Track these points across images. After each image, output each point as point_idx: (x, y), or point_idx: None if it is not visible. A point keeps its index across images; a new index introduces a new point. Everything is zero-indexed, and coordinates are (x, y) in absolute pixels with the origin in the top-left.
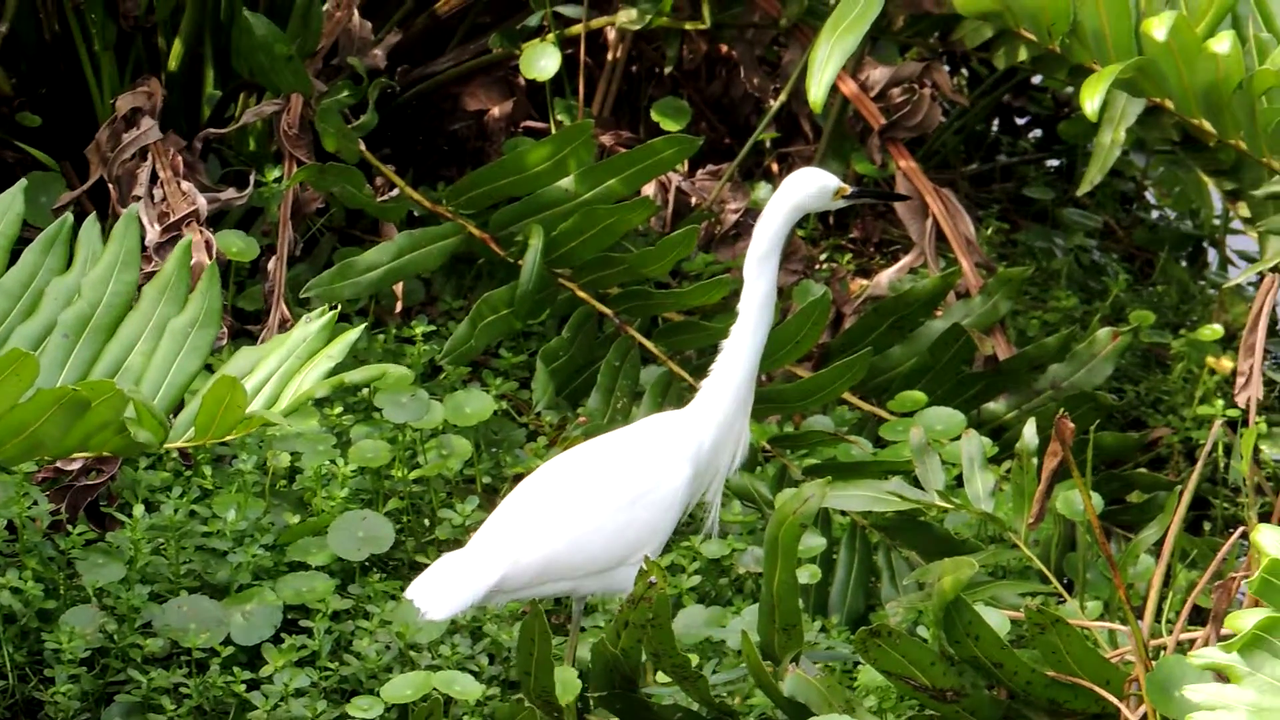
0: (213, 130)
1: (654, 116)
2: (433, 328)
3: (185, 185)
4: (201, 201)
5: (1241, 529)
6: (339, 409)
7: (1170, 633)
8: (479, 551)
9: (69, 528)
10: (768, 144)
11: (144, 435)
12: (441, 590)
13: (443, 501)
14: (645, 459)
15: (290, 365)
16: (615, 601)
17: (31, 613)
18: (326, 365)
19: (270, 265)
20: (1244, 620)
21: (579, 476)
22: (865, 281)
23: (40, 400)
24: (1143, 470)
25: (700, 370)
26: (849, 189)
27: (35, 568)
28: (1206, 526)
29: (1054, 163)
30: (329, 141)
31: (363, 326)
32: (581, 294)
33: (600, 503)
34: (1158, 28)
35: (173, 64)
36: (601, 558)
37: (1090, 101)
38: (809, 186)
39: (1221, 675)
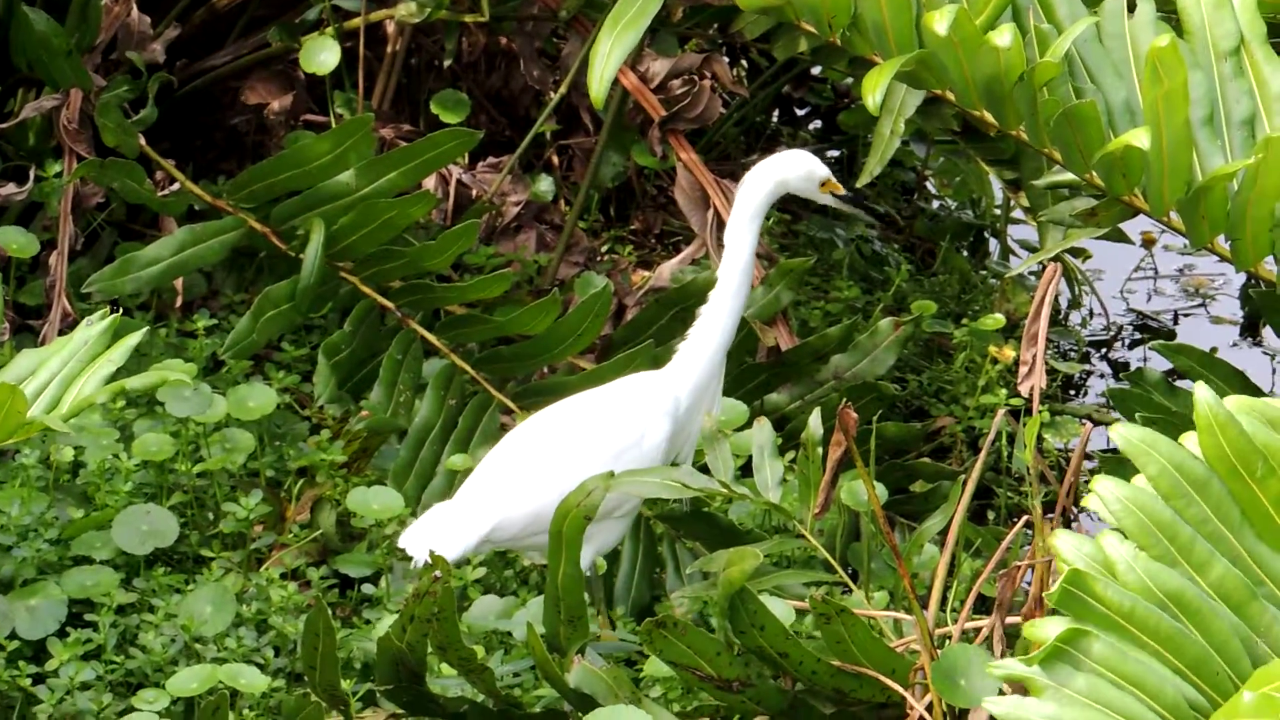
0: None
1: (434, 109)
2: (214, 322)
3: None
4: None
5: (1025, 518)
6: (122, 403)
7: (955, 621)
8: (469, 503)
9: None
10: (548, 136)
11: None
12: (434, 540)
13: (226, 495)
14: (627, 414)
15: (72, 369)
16: (402, 594)
17: None
18: (108, 369)
19: (51, 260)
20: (1044, 630)
21: (565, 431)
22: (647, 273)
23: None
24: (926, 460)
25: (482, 364)
26: (840, 188)
27: None
28: (990, 516)
29: (834, 153)
30: (109, 136)
31: (144, 329)
32: (363, 288)
33: (586, 457)
34: (939, 21)
35: None
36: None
37: (872, 95)
38: (797, 169)
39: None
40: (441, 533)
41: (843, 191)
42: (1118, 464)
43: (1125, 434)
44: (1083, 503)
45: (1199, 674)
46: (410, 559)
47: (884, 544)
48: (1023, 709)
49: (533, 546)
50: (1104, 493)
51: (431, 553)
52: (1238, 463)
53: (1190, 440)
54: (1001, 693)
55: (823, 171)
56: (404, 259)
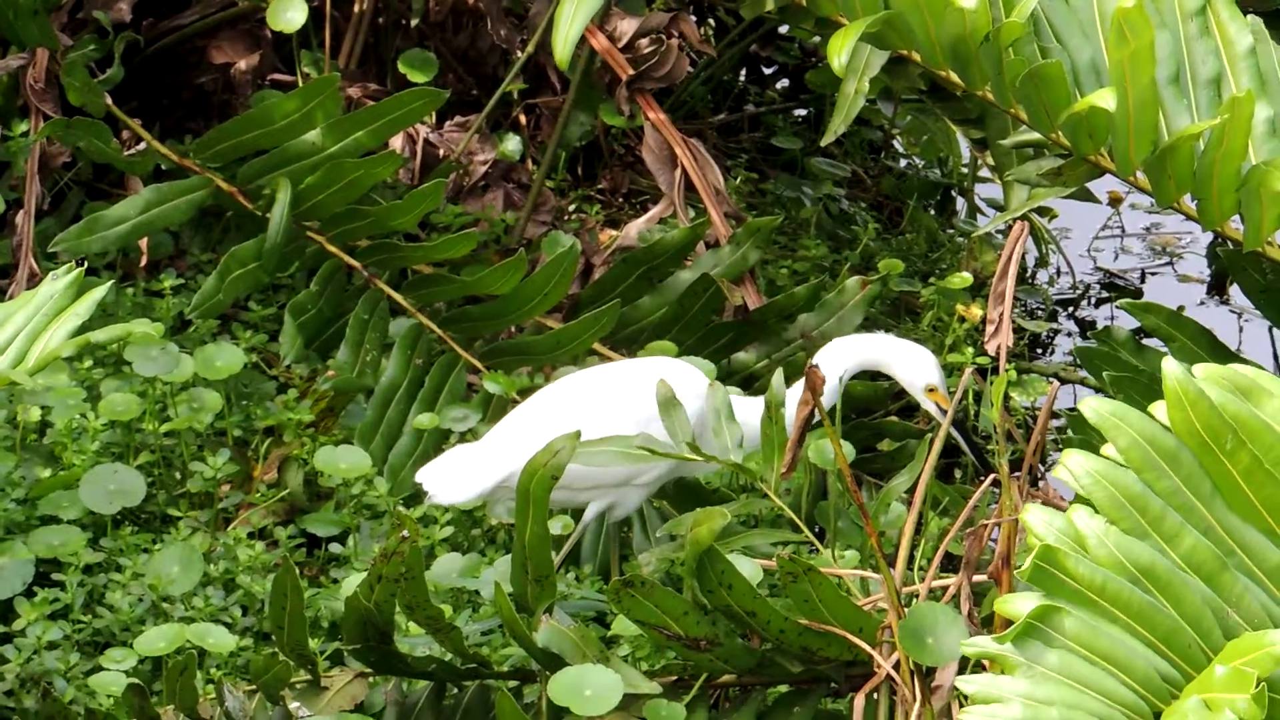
0: None
1: (401, 69)
2: (181, 281)
3: None
4: None
5: (992, 476)
6: (89, 363)
7: (922, 580)
8: (492, 446)
9: None
10: (515, 95)
11: None
12: (451, 478)
13: (194, 454)
14: (675, 387)
15: (37, 323)
16: (370, 553)
17: None
18: (74, 323)
19: (18, 220)
20: (1016, 607)
21: (597, 390)
22: (614, 232)
23: None
24: (893, 418)
25: (449, 323)
26: (946, 402)
27: None
28: (957, 474)
29: (802, 112)
30: (75, 95)
31: (110, 283)
32: (330, 247)
33: (616, 418)
34: None
35: None
36: (608, 474)
37: (838, 57)
38: (909, 365)
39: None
40: (460, 473)
41: (947, 406)
42: (1084, 422)
43: (1096, 407)
44: (1053, 473)
45: (1171, 647)
46: (425, 494)
47: (851, 503)
48: (995, 687)
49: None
50: (1073, 466)
51: (399, 513)
52: (1207, 436)
53: (1159, 410)
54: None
55: (933, 378)
56: (370, 218)
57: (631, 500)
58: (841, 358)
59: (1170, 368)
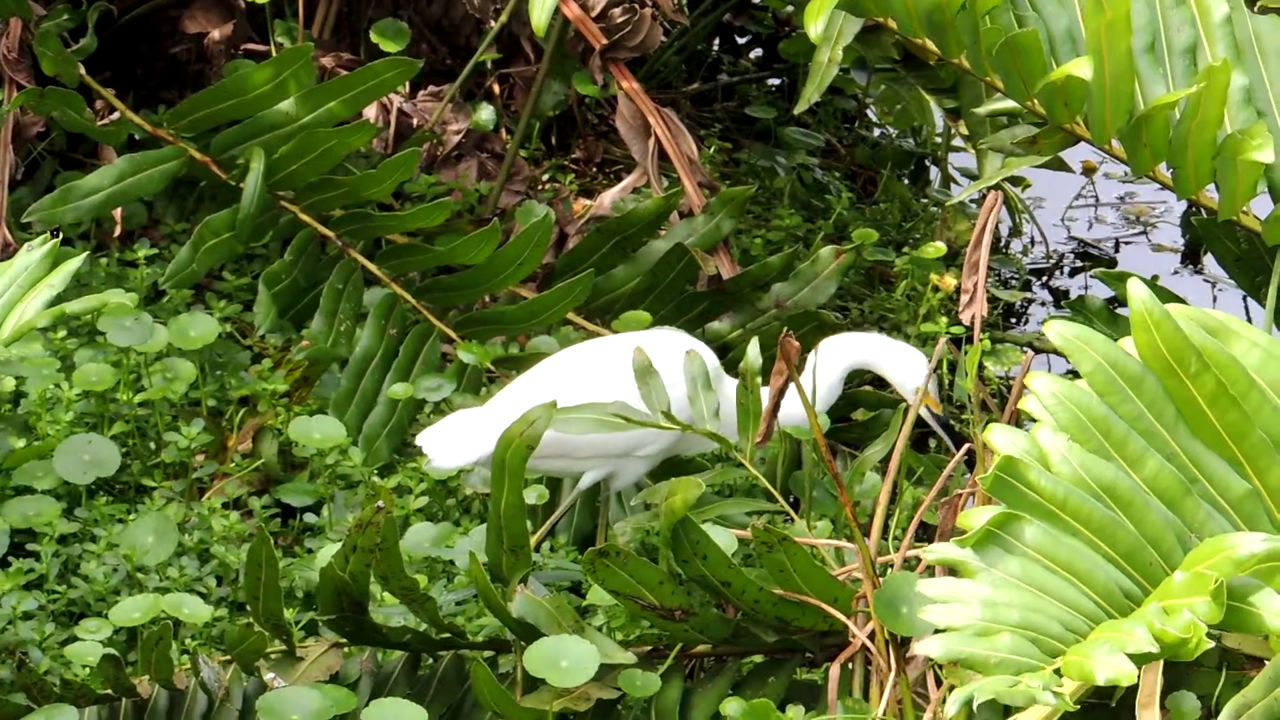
0: None
1: (374, 38)
2: (155, 251)
3: None
4: None
5: (967, 446)
6: (63, 333)
7: (897, 550)
8: (494, 411)
9: None
10: (489, 65)
11: None
12: (451, 442)
13: (168, 425)
14: (667, 361)
15: (12, 295)
16: (344, 524)
17: None
18: (48, 294)
19: None
20: (976, 517)
21: (601, 360)
22: (588, 202)
23: None
24: (867, 388)
25: (423, 293)
26: (938, 406)
27: None
28: (932, 444)
29: (775, 82)
30: (48, 65)
31: (84, 255)
32: (304, 217)
33: (620, 390)
34: None
35: None
36: (609, 443)
37: (814, 25)
38: (901, 365)
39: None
40: (460, 437)
41: (939, 411)
42: None
43: (1061, 330)
44: (1020, 404)
45: (1132, 563)
46: (425, 457)
47: (825, 472)
48: (956, 589)
49: (549, 470)
50: (1038, 388)
51: (374, 483)
52: (1172, 359)
53: (1128, 343)
54: None
55: (923, 381)
56: (344, 188)
57: (632, 471)
58: (836, 357)
59: (1136, 290)
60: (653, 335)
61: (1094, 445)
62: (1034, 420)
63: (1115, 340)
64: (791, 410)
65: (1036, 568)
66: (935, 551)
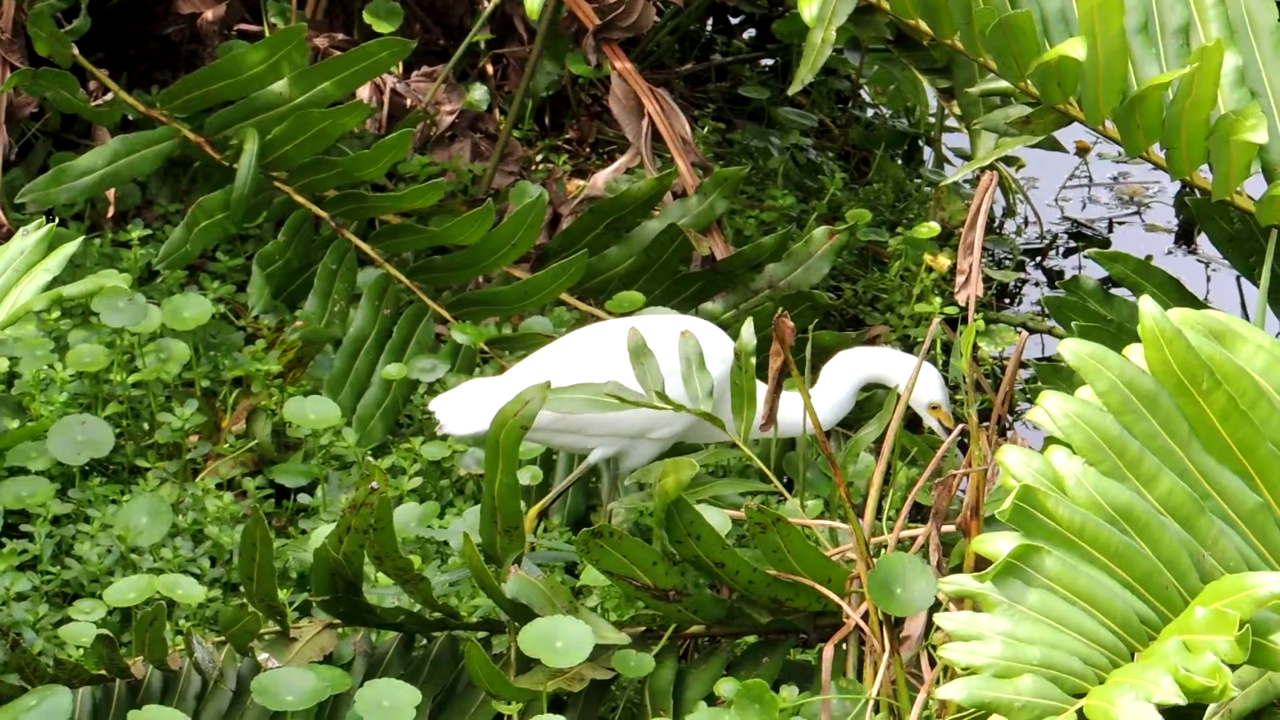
0: None
1: (367, 19)
2: (149, 232)
3: None
4: None
5: (961, 426)
6: (56, 314)
7: (891, 530)
8: (509, 382)
9: None
10: (482, 45)
11: None
12: (465, 410)
13: (161, 405)
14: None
15: (8, 279)
16: (338, 504)
17: None
18: (44, 278)
19: None
20: (995, 546)
21: (623, 340)
22: (582, 182)
23: None
24: None
25: (416, 273)
26: (950, 420)
27: None
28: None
29: (769, 62)
30: (42, 46)
31: (80, 239)
32: (297, 197)
33: (630, 369)
34: None
35: None
36: (623, 422)
37: (808, 6)
38: (928, 382)
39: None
40: (473, 405)
41: (951, 425)
42: (1053, 372)
43: (1075, 350)
44: (1028, 416)
45: (1148, 588)
46: (437, 423)
47: (819, 453)
48: (975, 624)
49: (558, 444)
50: (1050, 408)
51: (368, 464)
52: (1184, 377)
53: (1134, 353)
54: (939, 605)
55: (937, 396)
56: (338, 169)
57: (645, 453)
58: (848, 372)
59: (1148, 308)
60: (682, 320)
61: (1108, 466)
62: (1032, 420)
63: (1111, 322)
64: (792, 418)
65: (1056, 600)
66: (953, 583)
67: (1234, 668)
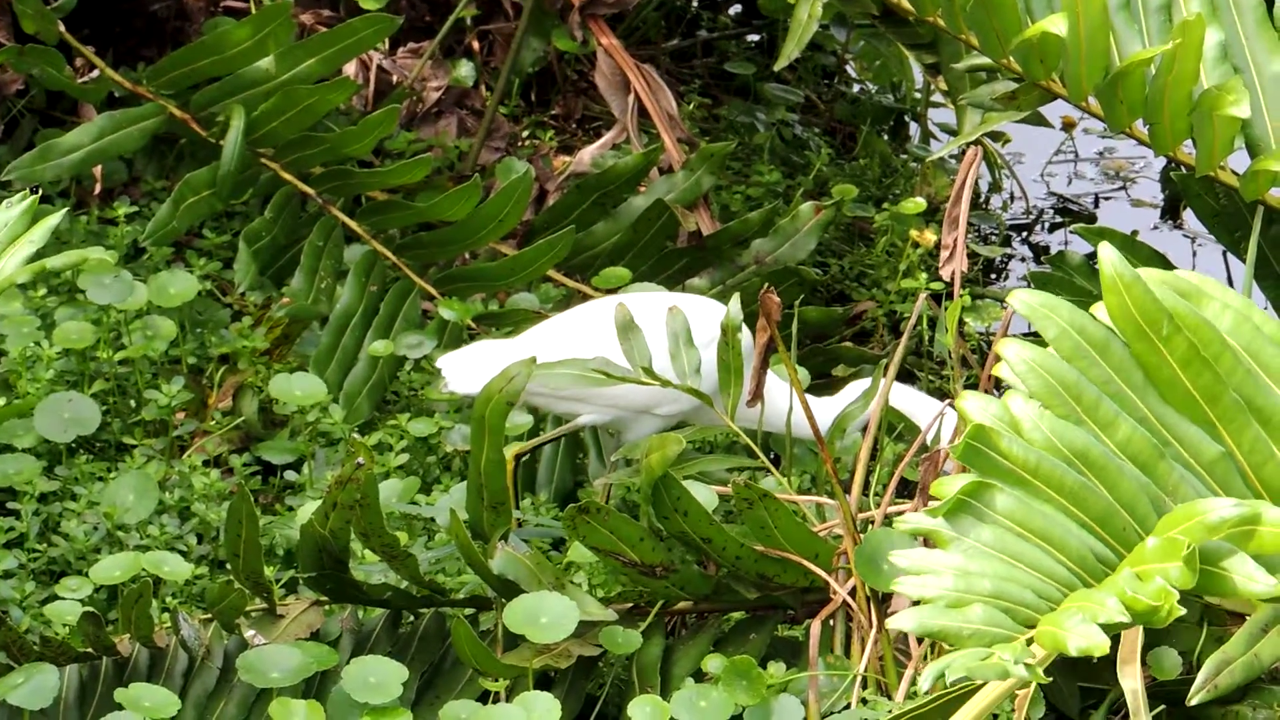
0: None
1: None
2: (135, 209)
3: None
4: None
5: (948, 401)
6: (42, 291)
7: (878, 506)
8: (518, 345)
9: None
10: (468, 22)
11: None
12: (471, 369)
13: (148, 382)
14: (696, 321)
15: None
16: (325, 481)
17: None
18: (28, 250)
19: None
20: (948, 486)
21: (640, 316)
22: (568, 158)
23: None
24: (848, 344)
25: (403, 250)
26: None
27: None
28: None
29: (754, 38)
30: (28, 23)
31: (64, 210)
32: (284, 174)
33: (651, 345)
34: None
35: None
36: (627, 396)
37: None
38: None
39: (928, 541)
40: (480, 365)
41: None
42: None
43: (1025, 299)
44: (993, 370)
45: (1105, 528)
46: (443, 381)
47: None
48: (928, 559)
49: (557, 410)
50: (1009, 355)
51: (354, 440)
52: (1143, 322)
53: (1100, 310)
54: None
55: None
56: (324, 145)
57: (645, 428)
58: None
59: (1107, 254)
60: (696, 298)
61: (1065, 411)
62: (1007, 387)
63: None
64: (781, 406)
65: (1009, 535)
66: (908, 521)
67: (1184, 593)
